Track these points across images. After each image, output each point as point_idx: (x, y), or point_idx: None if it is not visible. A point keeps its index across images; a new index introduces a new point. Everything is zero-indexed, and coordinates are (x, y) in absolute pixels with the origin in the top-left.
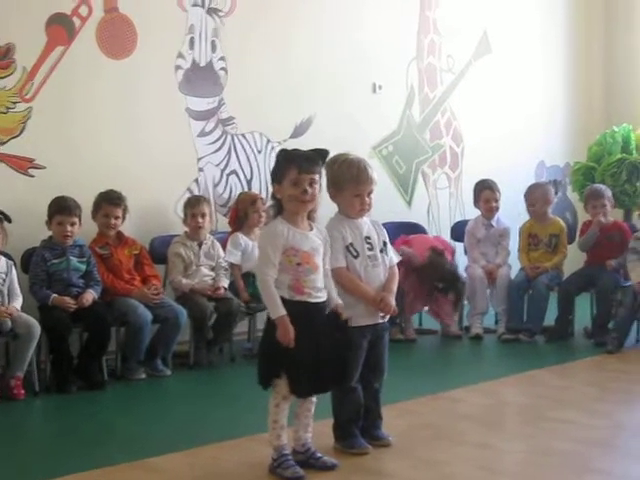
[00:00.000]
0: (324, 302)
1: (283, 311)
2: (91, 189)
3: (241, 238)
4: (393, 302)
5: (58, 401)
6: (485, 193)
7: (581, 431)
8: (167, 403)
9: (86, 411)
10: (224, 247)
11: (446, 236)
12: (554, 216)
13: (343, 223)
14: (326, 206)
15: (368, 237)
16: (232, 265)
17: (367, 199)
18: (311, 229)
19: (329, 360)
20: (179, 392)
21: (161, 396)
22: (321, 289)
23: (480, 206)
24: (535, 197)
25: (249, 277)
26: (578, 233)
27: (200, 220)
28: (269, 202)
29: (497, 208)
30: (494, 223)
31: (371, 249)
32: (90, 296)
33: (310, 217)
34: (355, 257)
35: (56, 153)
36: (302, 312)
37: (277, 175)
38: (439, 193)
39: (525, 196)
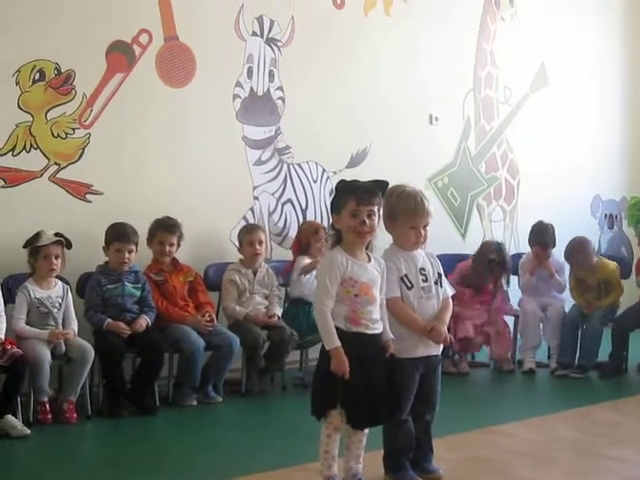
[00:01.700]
0: (380, 334)
1: (338, 342)
2: (147, 215)
3: (306, 260)
4: (444, 331)
5: (110, 425)
6: (536, 249)
7: (634, 470)
8: (218, 430)
9: (137, 436)
10: (282, 275)
11: None
12: (601, 260)
13: (398, 254)
14: (381, 237)
15: (423, 269)
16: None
17: (423, 231)
18: (369, 260)
19: (383, 392)
20: (230, 419)
21: (212, 423)
22: (377, 321)
23: (532, 253)
24: (575, 259)
25: (301, 304)
26: (634, 269)
27: (258, 247)
28: (328, 232)
29: (548, 257)
30: (549, 263)
31: (425, 281)
32: (144, 322)
33: (368, 248)
34: (409, 288)
35: (113, 179)
36: (358, 343)
37: (336, 205)
38: (494, 226)
39: (565, 255)
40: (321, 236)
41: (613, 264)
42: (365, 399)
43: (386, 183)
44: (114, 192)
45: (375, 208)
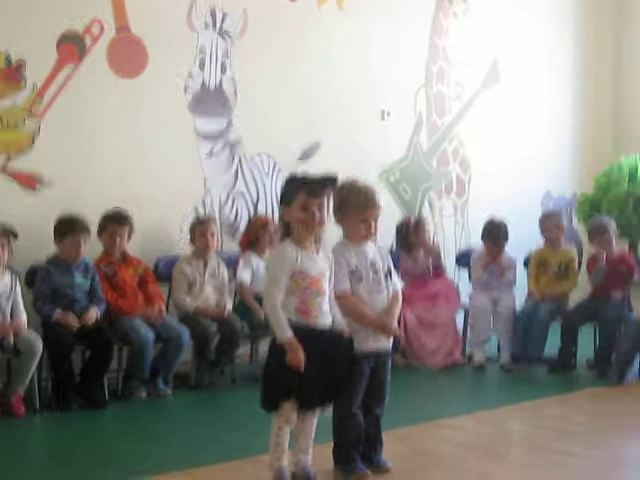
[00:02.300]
0: (329, 326)
1: (290, 333)
2: (97, 207)
3: (253, 258)
4: (394, 324)
5: (58, 419)
6: (489, 246)
7: (583, 463)
8: (167, 423)
9: (86, 430)
10: (230, 268)
11: (451, 264)
12: (567, 245)
13: (348, 248)
14: (330, 230)
15: (373, 262)
16: (242, 284)
17: (373, 224)
18: (318, 253)
19: (334, 379)
20: (180, 412)
21: (161, 416)
22: (327, 313)
23: (484, 248)
24: (550, 223)
25: (259, 300)
26: (585, 268)
27: (209, 239)
28: (277, 224)
29: (500, 254)
30: (502, 259)
31: (376, 274)
32: (93, 314)
33: (317, 240)
34: (359, 282)
35: (64, 170)
36: (308, 335)
37: (286, 198)
38: (445, 220)
39: (540, 221)
40: (270, 230)
41: (574, 251)
42: (318, 383)
43: (336, 177)
44: (65, 183)
45: (325, 201)
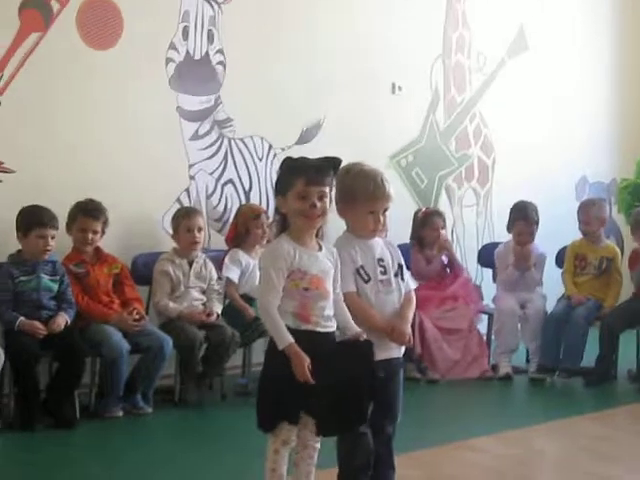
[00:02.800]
0: (333, 333)
1: (290, 338)
2: (66, 198)
3: (241, 255)
4: (408, 330)
5: (21, 440)
6: (519, 225)
7: None
8: (146, 445)
9: (53, 452)
10: (218, 267)
11: (472, 261)
12: (608, 240)
13: (353, 243)
14: (332, 222)
15: (381, 259)
16: (229, 283)
17: (382, 217)
18: (320, 249)
19: (349, 395)
20: (161, 433)
21: (140, 437)
22: (331, 318)
23: (513, 235)
24: (590, 215)
25: (247, 300)
26: (627, 265)
27: (196, 235)
28: (272, 217)
29: (532, 240)
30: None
31: (384, 273)
32: (62, 320)
33: (318, 235)
34: (366, 281)
35: (26, 155)
36: (309, 343)
37: (282, 186)
38: (465, 211)
39: (578, 212)
40: (262, 222)
41: (615, 247)
42: (329, 402)
43: (339, 161)
44: (28, 170)
45: (327, 189)
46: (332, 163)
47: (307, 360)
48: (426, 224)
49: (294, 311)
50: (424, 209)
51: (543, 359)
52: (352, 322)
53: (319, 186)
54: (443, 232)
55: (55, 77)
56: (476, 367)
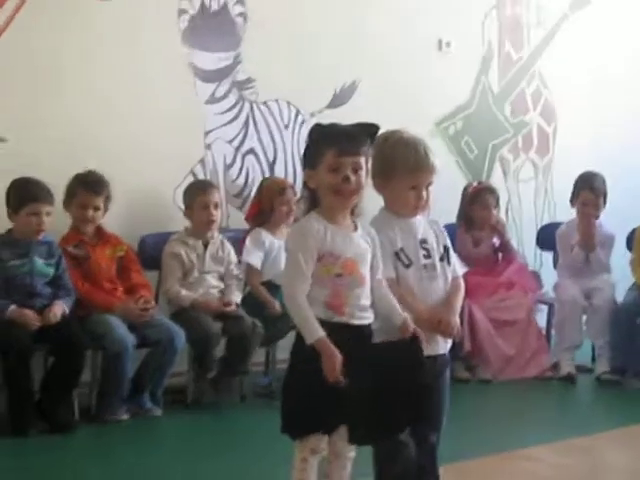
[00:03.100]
0: (369, 326)
1: (321, 332)
2: (64, 170)
3: (265, 236)
4: (456, 322)
5: (13, 447)
6: (584, 195)
7: None
8: (155, 452)
9: (49, 461)
10: (237, 250)
11: (530, 244)
12: None
13: (392, 223)
14: (369, 199)
15: (424, 241)
16: (250, 269)
17: (425, 193)
18: (355, 229)
19: (393, 395)
20: (171, 438)
21: (148, 443)
22: (367, 308)
23: (577, 208)
24: None
25: (272, 288)
26: None
27: (213, 212)
28: (300, 192)
29: (598, 214)
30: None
31: (428, 256)
32: (59, 309)
33: (354, 213)
34: (407, 266)
35: (19, 122)
36: (342, 338)
37: (310, 158)
38: (522, 187)
39: None
40: (288, 197)
41: None
42: (366, 404)
43: (376, 127)
44: (21, 139)
45: (362, 160)
46: (368, 130)
47: (339, 357)
48: (476, 202)
49: (325, 300)
50: (474, 184)
51: (612, 357)
52: (398, 308)
53: (353, 157)
54: (495, 212)
55: (51, 31)
56: (534, 365)
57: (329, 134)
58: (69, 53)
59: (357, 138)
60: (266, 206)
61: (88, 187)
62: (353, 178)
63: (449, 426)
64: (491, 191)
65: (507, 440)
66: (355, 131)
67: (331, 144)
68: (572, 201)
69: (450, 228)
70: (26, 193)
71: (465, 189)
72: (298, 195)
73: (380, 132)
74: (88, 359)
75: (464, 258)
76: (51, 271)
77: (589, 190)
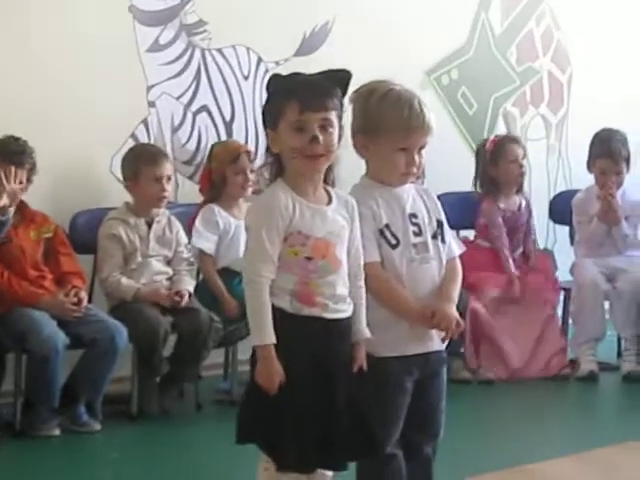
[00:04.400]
0: (347, 319)
1: (272, 337)
2: None
3: (217, 213)
4: (454, 315)
5: None
6: (602, 163)
7: None
8: (92, 474)
9: None
10: (188, 228)
11: (542, 216)
12: None
13: (374, 193)
14: (346, 164)
15: (413, 215)
16: (203, 255)
17: (417, 157)
18: (329, 201)
19: (352, 414)
20: (113, 456)
21: (84, 463)
22: (344, 298)
23: (595, 175)
24: None
25: (230, 276)
26: None
27: (166, 186)
28: (262, 158)
29: (620, 184)
30: (618, 198)
31: (418, 234)
32: None
33: (327, 180)
34: (394, 247)
35: None
36: (312, 334)
37: (270, 116)
38: (531, 146)
39: None
40: (243, 165)
41: None
42: (317, 427)
43: (347, 74)
44: None
45: (332, 115)
46: (338, 78)
47: (281, 375)
48: (500, 156)
49: (292, 289)
50: (492, 137)
51: None
52: (363, 314)
53: (320, 112)
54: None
55: None
56: (548, 362)
57: (289, 86)
58: None
59: (324, 89)
60: (217, 177)
61: (7, 157)
62: (321, 137)
63: (447, 435)
64: (516, 141)
65: (517, 452)
66: (321, 80)
67: (292, 97)
68: (588, 166)
69: (445, 198)
70: None
71: (482, 146)
72: (260, 162)
73: (364, 84)
74: (10, 363)
75: (486, 234)
76: None
77: (607, 156)
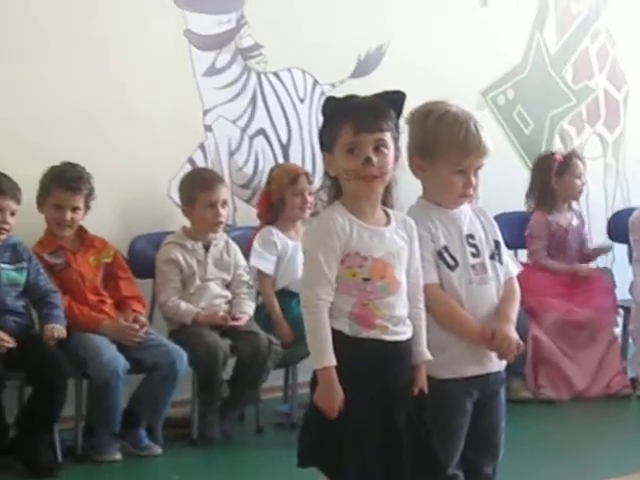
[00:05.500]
0: (407, 342)
1: (332, 359)
2: (34, 163)
3: (276, 235)
4: (514, 336)
5: None
6: None
7: None
8: None
9: None
10: (246, 251)
11: (599, 234)
12: None
13: (430, 214)
14: (403, 186)
15: (471, 236)
16: (261, 276)
17: (473, 178)
18: (388, 222)
19: (413, 436)
20: None
21: None
22: (403, 320)
23: None
24: None
25: (288, 297)
26: None
27: (221, 211)
28: (322, 181)
29: None
30: None
31: (476, 255)
32: (59, 329)
33: (386, 202)
34: (452, 268)
35: None
36: (372, 357)
37: (326, 138)
38: (588, 165)
39: None
40: (302, 187)
41: None
42: (372, 450)
43: (402, 96)
44: None
45: (387, 136)
46: (392, 100)
47: (341, 397)
48: (566, 171)
49: (351, 311)
50: (560, 153)
51: None
52: (424, 337)
53: (374, 133)
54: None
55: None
56: (608, 382)
57: (344, 108)
58: (44, 20)
59: (379, 110)
60: (276, 199)
61: (64, 184)
62: (375, 159)
63: (507, 455)
64: (581, 157)
65: (578, 471)
66: (376, 102)
67: (346, 119)
68: None
69: (501, 218)
70: None
71: (546, 158)
72: (318, 184)
73: (420, 105)
74: (71, 388)
75: (541, 252)
76: (22, 278)
77: None
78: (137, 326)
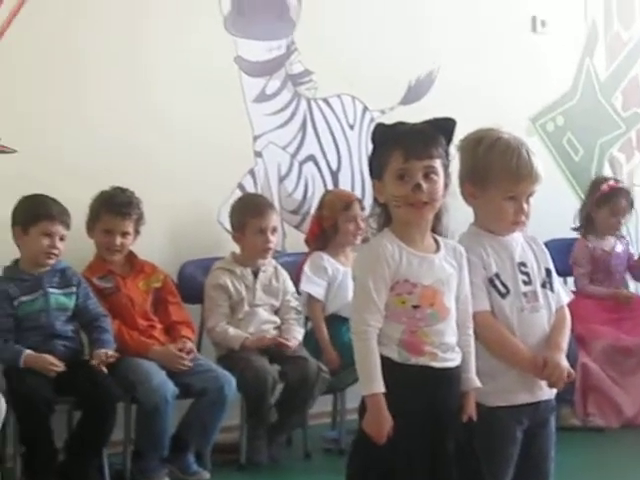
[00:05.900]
0: (457, 368)
1: (381, 387)
2: (84, 188)
3: (326, 260)
4: (565, 364)
5: None
6: None
7: None
8: None
9: None
10: (296, 277)
11: None
12: None
13: (482, 241)
14: (454, 213)
15: (523, 264)
16: (312, 300)
17: (525, 205)
18: (437, 249)
19: (462, 464)
20: None
21: None
22: (452, 347)
23: None
24: None
25: (338, 322)
26: None
27: (270, 237)
28: (370, 208)
29: None
30: None
31: (528, 283)
32: (102, 355)
33: (436, 229)
34: (504, 296)
35: (31, 130)
36: (421, 384)
37: (376, 166)
38: (638, 193)
39: None
40: (355, 214)
41: None
42: (424, 478)
43: (452, 123)
44: (32, 150)
45: (436, 163)
46: (442, 126)
47: (390, 423)
48: (605, 204)
49: (400, 338)
50: (610, 182)
51: None
52: (473, 364)
53: (424, 159)
54: (623, 222)
55: (67, 18)
56: None
57: (394, 135)
58: (91, 49)
59: (429, 137)
60: (328, 225)
61: (114, 209)
62: (425, 186)
63: None
64: (627, 194)
65: None
66: (425, 129)
67: (396, 146)
68: None
69: (552, 245)
70: (38, 209)
71: (595, 184)
72: (368, 211)
73: (471, 132)
74: (120, 413)
75: (576, 272)
76: (71, 303)
77: None
78: (186, 352)
